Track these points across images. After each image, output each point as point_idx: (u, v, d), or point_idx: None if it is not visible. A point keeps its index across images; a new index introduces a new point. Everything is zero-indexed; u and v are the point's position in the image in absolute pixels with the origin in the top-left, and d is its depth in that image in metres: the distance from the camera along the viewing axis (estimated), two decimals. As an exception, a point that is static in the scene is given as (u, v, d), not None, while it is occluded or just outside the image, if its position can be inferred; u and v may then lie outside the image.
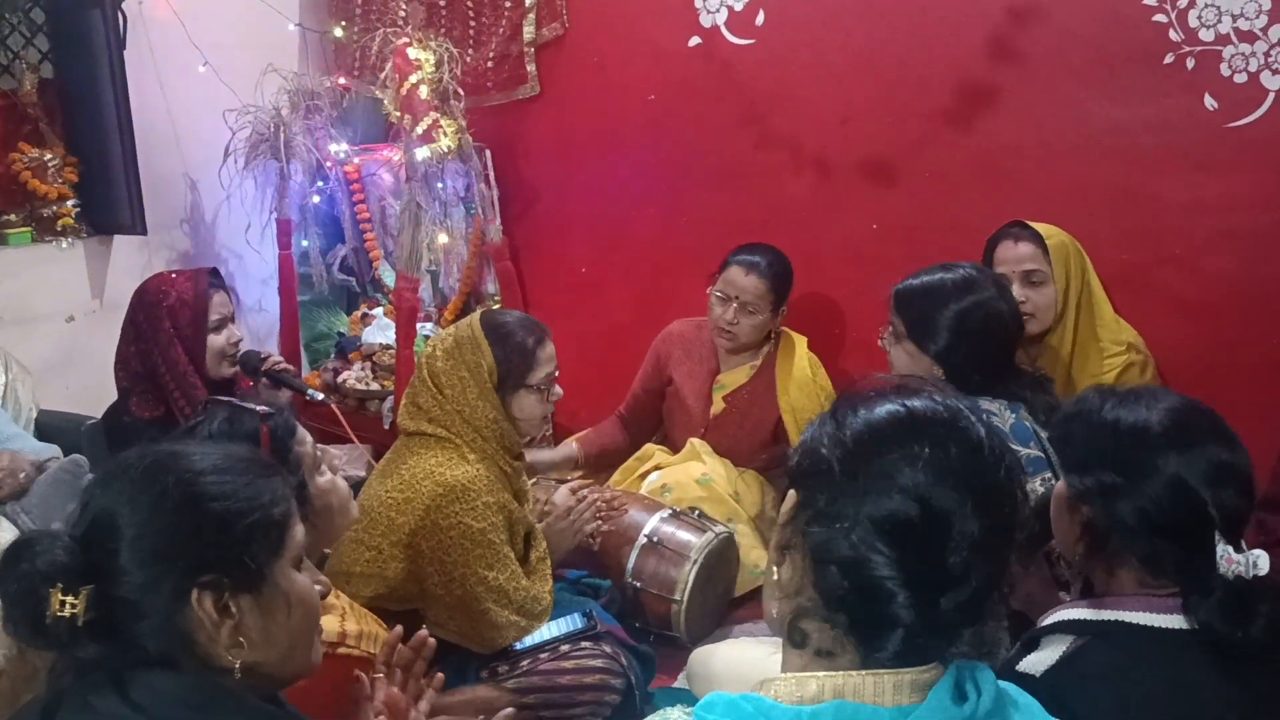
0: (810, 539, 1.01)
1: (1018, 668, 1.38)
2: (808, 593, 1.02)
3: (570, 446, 3.18)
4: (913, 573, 0.95)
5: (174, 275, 2.70)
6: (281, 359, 2.87)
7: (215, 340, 2.65)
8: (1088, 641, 1.36)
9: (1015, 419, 2.00)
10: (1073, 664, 1.35)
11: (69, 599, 1.07)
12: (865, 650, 0.99)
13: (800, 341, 3.13)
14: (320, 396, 2.83)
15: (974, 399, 1.96)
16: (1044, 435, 1.98)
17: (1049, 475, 1.94)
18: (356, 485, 2.41)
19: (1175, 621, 1.34)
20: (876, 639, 0.98)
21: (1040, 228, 2.62)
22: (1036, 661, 1.37)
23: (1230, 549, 1.33)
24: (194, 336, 2.61)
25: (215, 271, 2.77)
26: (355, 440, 2.85)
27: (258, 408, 1.69)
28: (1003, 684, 1.04)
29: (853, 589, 0.98)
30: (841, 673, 0.99)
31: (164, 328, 2.58)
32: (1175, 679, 1.31)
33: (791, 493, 1.06)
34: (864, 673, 0.98)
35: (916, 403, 1.02)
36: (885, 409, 1.02)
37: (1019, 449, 1.92)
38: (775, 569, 1.06)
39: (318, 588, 1.28)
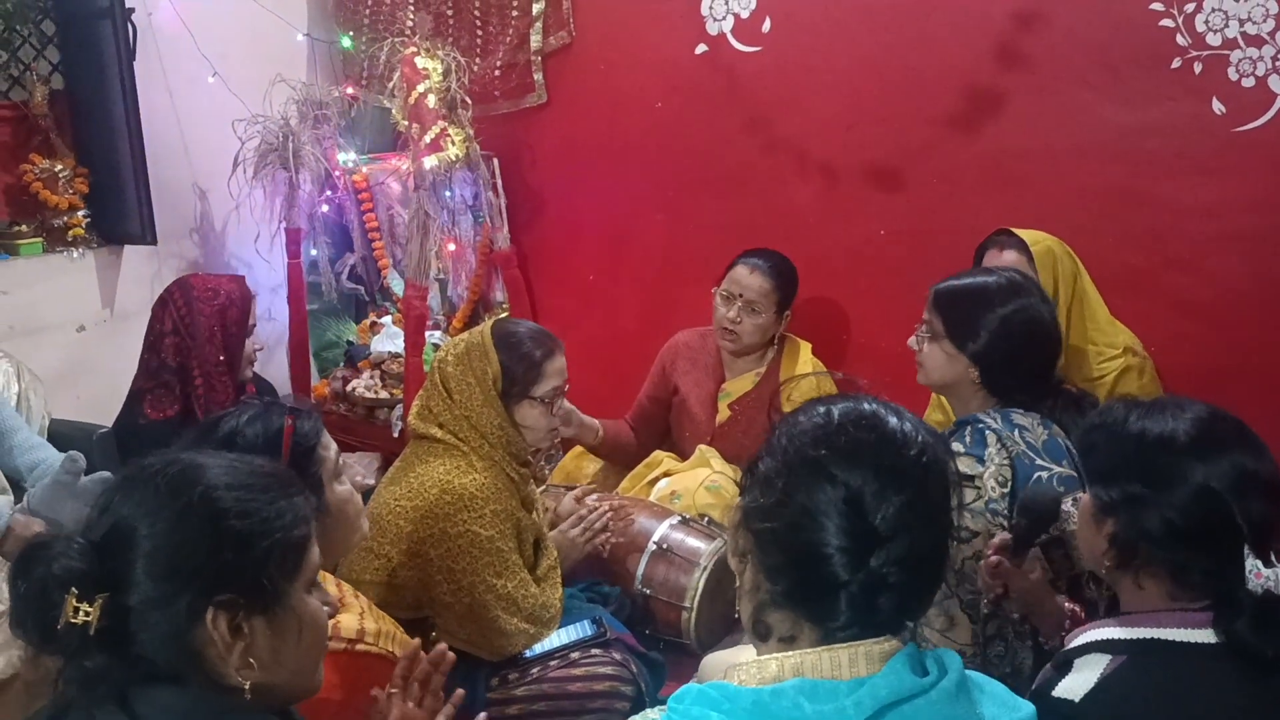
0: (750, 525, 1.12)
1: (1054, 693, 1.37)
2: (764, 586, 1.11)
3: (595, 422, 3.15)
4: (843, 536, 1.05)
5: (217, 277, 2.84)
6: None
7: (248, 344, 2.79)
8: (1124, 661, 1.35)
9: (1048, 435, 1.95)
10: (1112, 686, 1.33)
11: (83, 606, 1.06)
12: (819, 625, 1.08)
13: (804, 347, 3.13)
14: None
15: (1007, 410, 1.96)
16: (1076, 454, 1.94)
17: (1081, 494, 1.91)
18: (366, 494, 2.42)
19: (1208, 636, 1.32)
20: (823, 607, 1.07)
21: (1026, 234, 2.60)
22: (1073, 685, 1.36)
23: (1259, 563, 1.31)
24: (237, 336, 2.73)
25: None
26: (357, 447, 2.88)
27: (286, 404, 1.70)
28: (970, 672, 1.11)
29: (792, 557, 1.08)
30: (798, 652, 1.07)
31: (208, 324, 2.68)
32: (1213, 695, 1.30)
33: (738, 500, 1.17)
34: (819, 650, 1.07)
35: (840, 404, 1.15)
36: (813, 411, 1.15)
37: (1051, 466, 1.89)
38: (738, 576, 1.16)
39: (326, 609, 1.27)
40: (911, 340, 2.17)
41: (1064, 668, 1.41)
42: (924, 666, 1.07)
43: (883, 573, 1.05)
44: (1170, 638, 1.34)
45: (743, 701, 1.03)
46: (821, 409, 1.15)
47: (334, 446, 1.74)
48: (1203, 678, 1.31)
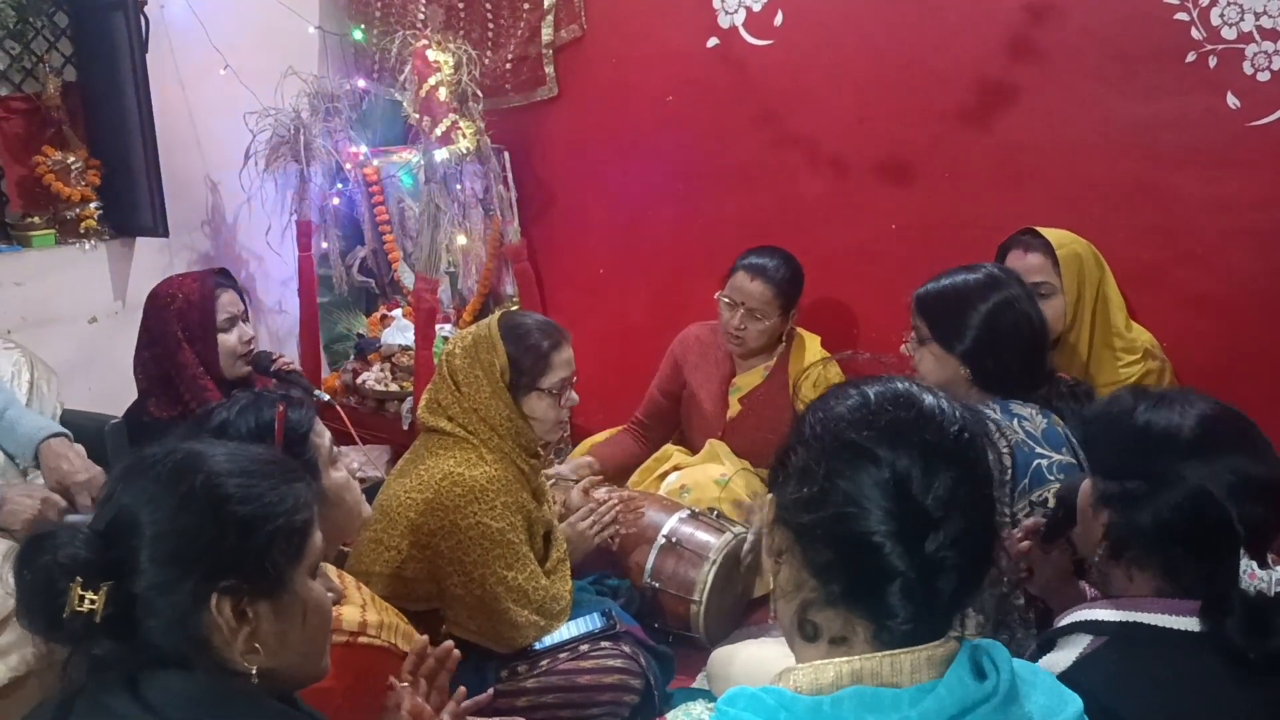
0: (792, 523, 1.06)
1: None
2: (808, 584, 1.05)
3: (587, 458, 3.17)
4: (893, 520, 1.00)
5: (181, 278, 2.70)
6: (291, 360, 2.87)
7: (226, 340, 2.65)
8: (1105, 643, 1.35)
9: (1047, 423, 1.97)
10: (1089, 665, 1.33)
11: (88, 594, 1.07)
12: (875, 622, 1.02)
13: (812, 340, 3.13)
14: (326, 397, 2.84)
15: (1006, 401, 1.97)
16: (1076, 442, 1.95)
17: None
18: (375, 487, 2.42)
19: (1192, 624, 1.32)
20: (879, 602, 1.01)
21: (1053, 235, 2.58)
22: (1053, 663, 1.36)
23: (1254, 564, 1.30)
24: (203, 337, 2.61)
25: (224, 271, 2.78)
26: (358, 440, 2.84)
27: (278, 393, 1.71)
28: (1017, 661, 1.06)
29: (841, 551, 1.02)
30: (858, 657, 1.01)
31: (171, 331, 2.58)
32: (1191, 683, 1.29)
33: (770, 498, 1.11)
34: (879, 655, 1.01)
35: (873, 385, 1.10)
36: (846, 394, 1.10)
37: (1051, 454, 1.90)
38: (773, 577, 1.10)
39: (330, 595, 1.28)
40: (904, 347, 2.19)
41: (1047, 646, 1.42)
42: (981, 669, 1.02)
43: (939, 557, 0.99)
44: (1154, 623, 1.33)
45: (799, 709, 0.99)
46: (854, 391, 1.10)
47: (327, 434, 1.76)
48: (1182, 664, 1.30)
